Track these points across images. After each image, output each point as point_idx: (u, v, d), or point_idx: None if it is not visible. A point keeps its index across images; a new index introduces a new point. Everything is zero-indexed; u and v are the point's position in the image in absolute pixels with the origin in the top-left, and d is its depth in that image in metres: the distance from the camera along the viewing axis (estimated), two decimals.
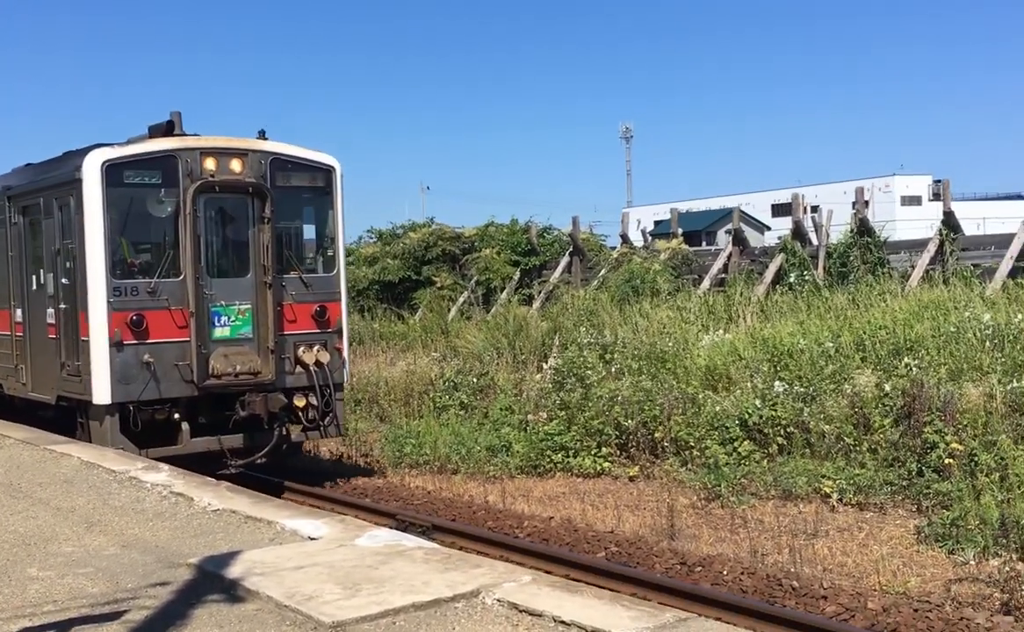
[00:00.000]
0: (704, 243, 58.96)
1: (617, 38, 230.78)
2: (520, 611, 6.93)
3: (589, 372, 18.79)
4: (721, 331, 20.94)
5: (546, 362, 22.31)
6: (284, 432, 15.34)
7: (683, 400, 16.82)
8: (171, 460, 13.76)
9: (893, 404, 14.86)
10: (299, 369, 15.25)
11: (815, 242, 27.88)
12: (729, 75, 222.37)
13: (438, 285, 33.64)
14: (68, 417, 15.76)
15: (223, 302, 14.79)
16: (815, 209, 40.77)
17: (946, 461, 13.35)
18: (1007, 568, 10.30)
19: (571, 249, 32.36)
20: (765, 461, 15.14)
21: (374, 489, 15.90)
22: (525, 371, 22.34)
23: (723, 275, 28.43)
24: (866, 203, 29.29)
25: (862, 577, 11.08)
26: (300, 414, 15.39)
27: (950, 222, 25.66)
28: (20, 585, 7.94)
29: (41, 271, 16.19)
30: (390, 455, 18.11)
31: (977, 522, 11.73)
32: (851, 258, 25.95)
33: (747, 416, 15.70)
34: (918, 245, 27.14)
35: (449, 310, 31.68)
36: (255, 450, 15.14)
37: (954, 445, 13.46)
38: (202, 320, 14.47)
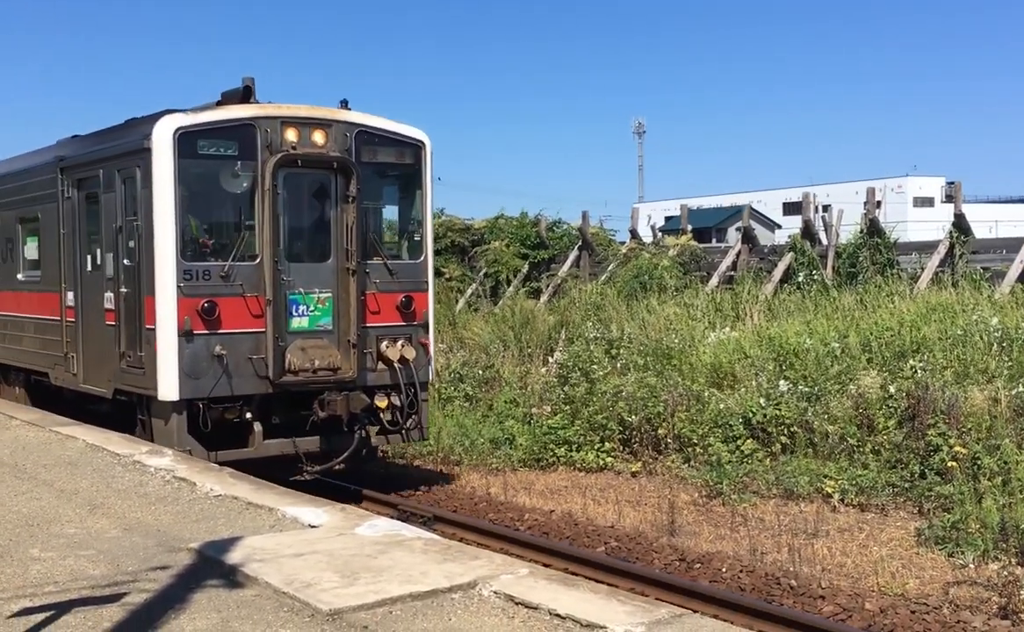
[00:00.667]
0: (715, 240, 58.87)
1: (633, 33, 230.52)
2: (516, 603, 6.97)
3: (594, 367, 18.82)
4: (728, 329, 20.94)
5: (552, 356, 22.36)
6: (364, 435, 14.08)
7: (687, 397, 16.84)
8: (240, 465, 12.53)
9: (897, 406, 14.86)
10: (381, 366, 13.96)
11: (825, 241, 27.82)
12: (744, 72, 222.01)
13: (446, 276, 33.65)
14: (126, 413, 14.45)
15: (301, 289, 13.50)
16: (826, 208, 40.63)
17: (949, 464, 13.35)
18: (1006, 572, 10.31)
19: (580, 243, 32.34)
20: (768, 460, 15.15)
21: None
22: (531, 364, 22.38)
23: (732, 272, 28.39)
24: (878, 204, 29.21)
25: (861, 578, 11.09)
26: (381, 415, 14.09)
27: (961, 225, 25.57)
28: (22, 565, 8.01)
29: (98, 251, 14.79)
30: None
31: (978, 526, 11.74)
32: (860, 258, 25.88)
33: (751, 414, 15.71)
34: (928, 247, 27.06)
35: (457, 301, 31.71)
36: (332, 454, 13.86)
37: (957, 448, 13.46)
38: (279, 309, 13.23)
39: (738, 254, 29.19)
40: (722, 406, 16.31)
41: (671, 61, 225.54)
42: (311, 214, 14.12)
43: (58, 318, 15.89)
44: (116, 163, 14.04)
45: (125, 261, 13.82)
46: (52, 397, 17.08)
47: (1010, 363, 15.70)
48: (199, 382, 12.92)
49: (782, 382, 16.44)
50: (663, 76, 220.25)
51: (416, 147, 14.61)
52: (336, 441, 13.89)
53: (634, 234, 33.93)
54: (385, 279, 14.10)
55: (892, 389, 15.17)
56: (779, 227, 65.99)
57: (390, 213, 15.52)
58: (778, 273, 26.39)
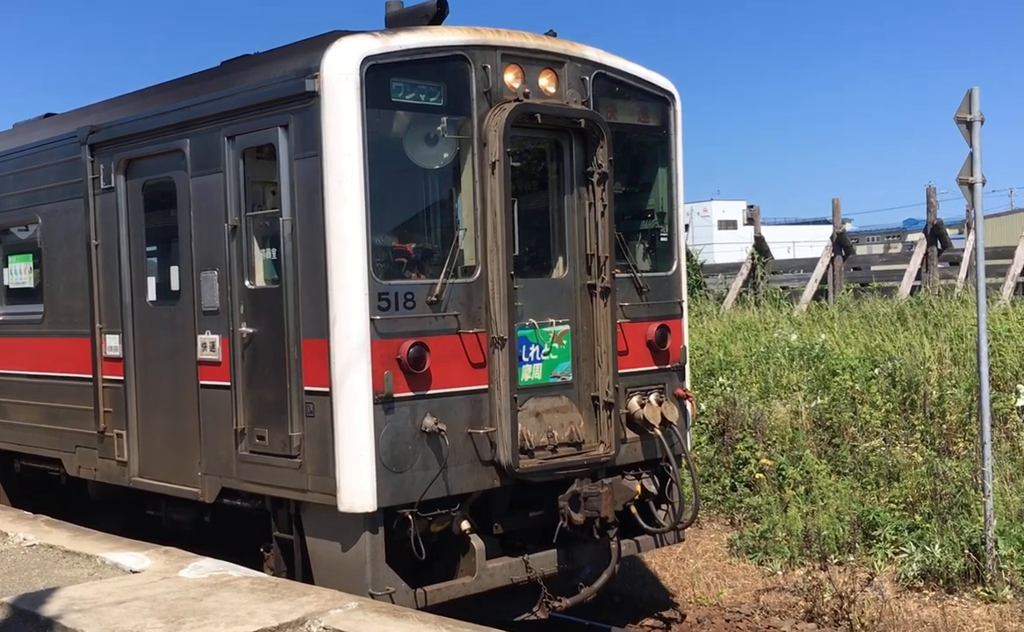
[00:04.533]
0: None
1: None
2: None
3: None
4: None
5: None
6: (619, 543, 9.58)
7: None
8: (451, 606, 8.58)
9: (709, 422, 15.54)
10: (630, 433, 9.57)
11: None
12: None
13: None
14: (236, 527, 9.79)
15: (533, 320, 9.02)
16: None
17: (756, 476, 14.05)
18: (810, 577, 10.97)
19: None
20: None
21: None
22: None
23: None
24: (686, 227, 30.56)
25: (680, 590, 11.59)
26: (632, 508, 9.54)
27: (761, 246, 27.03)
28: None
29: (174, 268, 10.12)
30: None
31: (784, 534, 12.42)
32: None
33: None
34: (732, 268, 28.47)
35: None
36: (577, 576, 9.65)
37: (764, 461, 14.18)
38: (513, 353, 8.73)
39: None
40: None
41: None
42: (534, 201, 9.60)
43: (86, 376, 10.84)
44: (228, 125, 9.13)
45: (247, 282, 9.11)
46: (58, 496, 12.06)
47: (809, 377, 16.65)
48: (403, 478, 8.30)
49: None
50: None
51: (663, 102, 10.14)
52: (580, 554, 9.52)
53: None
54: (633, 301, 9.64)
55: (703, 406, 15.85)
56: None
57: (626, 200, 10.25)
58: None
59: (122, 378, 10.41)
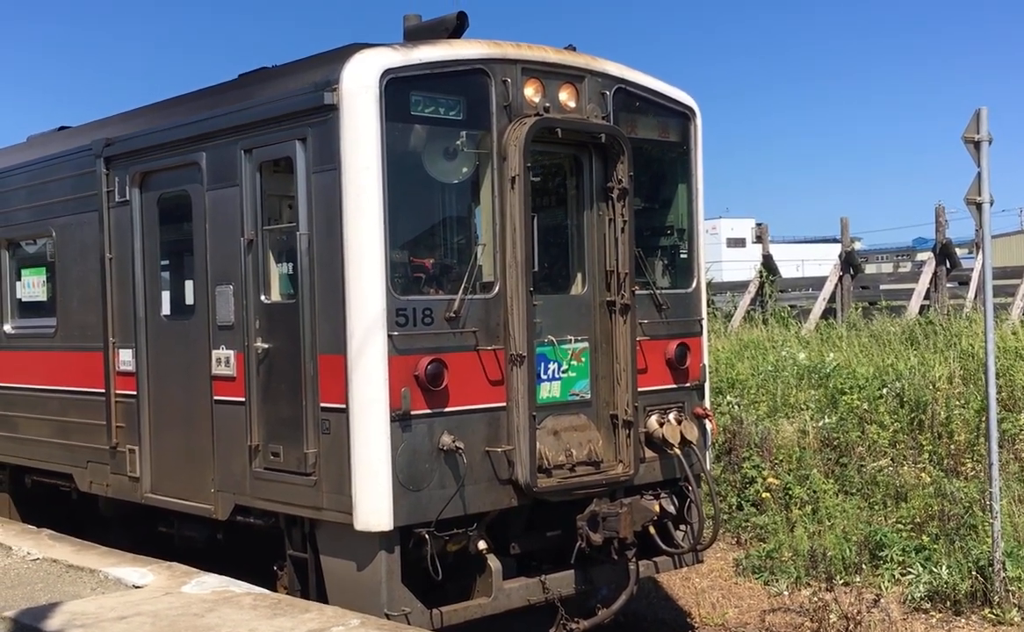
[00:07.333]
0: None
1: None
2: None
3: None
4: None
5: None
6: (637, 564, 9.52)
7: None
8: (467, 627, 8.63)
9: (715, 440, 15.48)
10: (649, 452, 9.46)
11: None
12: None
13: None
14: (249, 544, 9.66)
15: (552, 337, 9.00)
16: None
17: (763, 495, 13.99)
18: (816, 598, 10.90)
19: None
20: None
21: None
22: None
23: None
24: None
25: (685, 610, 11.52)
26: (651, 528, 9.46)
27: (769, 264, 26.99)
28: None
29: (189, 283, 10.16)
30: None
31: (790, 554, 12.35)
32: None
33: None
34: (740, 286, 28.43)
35: None
36: (594, 597, 9.69)
37: (770, 480, 14.12)
38: (532, 371, 8.68)
39: None
40: None
41: None
42: (553, 217, 9.66)
43: (99, 390, 10.71)
44: (245, 138, 9.07)
45: (262, 297, 9.06)
46: (66, 513, 11.94)
47: (817, 396, 16.60)
48: (420, 497, 8.22)
49: None
50: None
51: (684, 117, 10.10)
52: (597, 575, 9.39)
53: None
54: (653, 318, 9.59)
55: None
56: None
57: (646, 216, 10.14)
58: None
59: (135, 393, 10.29)
